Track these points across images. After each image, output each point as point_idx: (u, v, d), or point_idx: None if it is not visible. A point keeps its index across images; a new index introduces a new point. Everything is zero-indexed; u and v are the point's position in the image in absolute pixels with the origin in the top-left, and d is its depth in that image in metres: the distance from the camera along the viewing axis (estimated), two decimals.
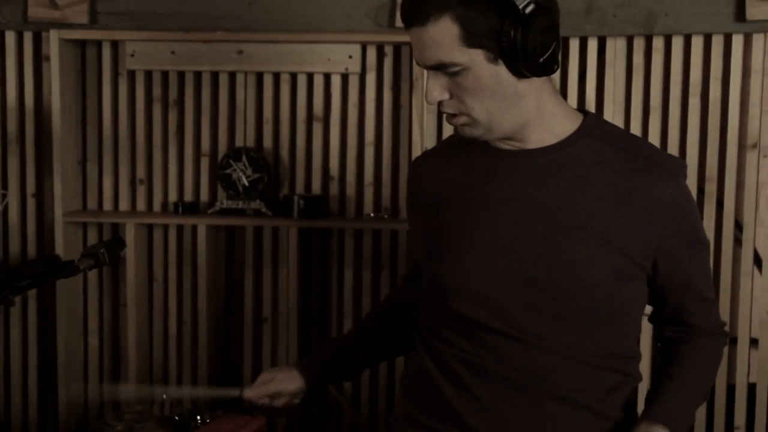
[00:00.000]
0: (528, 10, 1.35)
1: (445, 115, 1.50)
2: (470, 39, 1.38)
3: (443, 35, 1.38)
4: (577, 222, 1.48)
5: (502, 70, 1.41)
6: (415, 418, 1.61)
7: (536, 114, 1.49)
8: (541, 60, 1.40)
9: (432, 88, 1.44)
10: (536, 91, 1.47)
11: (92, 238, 2.53)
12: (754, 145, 2.29)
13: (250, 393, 1.77)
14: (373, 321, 1.93)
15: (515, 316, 1.48)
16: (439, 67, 1.42)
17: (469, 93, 1.44)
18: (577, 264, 1.46)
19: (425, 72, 1.42)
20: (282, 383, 1.78)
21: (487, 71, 1.41)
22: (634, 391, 1.59)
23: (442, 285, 1.55)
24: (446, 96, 1.45)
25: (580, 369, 1.50)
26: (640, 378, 1.61)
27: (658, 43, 2.33)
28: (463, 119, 1.47)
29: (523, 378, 1.50)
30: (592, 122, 1.53)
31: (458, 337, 1.54)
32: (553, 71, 1.46)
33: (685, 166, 1.55)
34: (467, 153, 1.59)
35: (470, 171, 1.59)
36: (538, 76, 1.44)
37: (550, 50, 1.40)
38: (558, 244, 1.48)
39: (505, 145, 1.53)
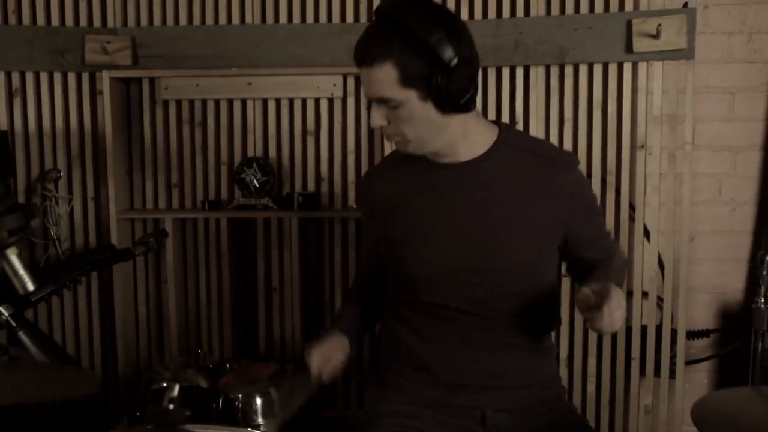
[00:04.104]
0: (453, 63, 1.45)
1: (384, 135, 1.62)
2: (406, 81, 1.47)
3: (385, 76, 1.47)
4: (505, 214, 1.62)
5: (430, 107, 1.50)
6: (390, 366, 1.75)
7: (462, 134, 1.59)
8: (461, 102, 1.50)
9: (374, 116, 1.54)
10: (461, 119, 1.56)
11: (139, 231, 2.68)
12: (642, 146, 2.50)
13: (326, 378, 1.67)
14: (357, 304, 1.93)
15: (463, 293, 1.63)
16: (381, 101, 1.51)
17: (403, 122, 1.52)
18: (508, 248, 1.62)
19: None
20: (339, 353, 1.72)
21: (418, 107, 1.50)
22: (553, 331, 1.81)
23: (407, 275, 1.68)
24: (385, 122, 1.55)
25: (514, 324, 1.67)
26: (559, 321, 1.79)
27: (569, 71, 2.50)
28: (398, 139, 1.58)
29: (472, 335, 1.65)
30: (505, 132, 1.66)
31: (419, 313, 1.68)
32: (471, 110, 1.56)
33: (576, 158, 1.72)
34: (411, 168, 1.66)
35: (416, 184, 1.66)
36: (459, 113, 1.54)
37: (468, 95, 1.50)
38: (492, 234, 1.61)
39: (442, 160, 1.62)
